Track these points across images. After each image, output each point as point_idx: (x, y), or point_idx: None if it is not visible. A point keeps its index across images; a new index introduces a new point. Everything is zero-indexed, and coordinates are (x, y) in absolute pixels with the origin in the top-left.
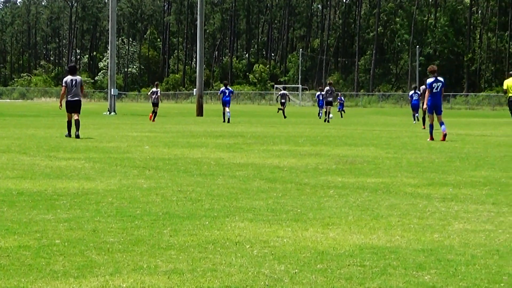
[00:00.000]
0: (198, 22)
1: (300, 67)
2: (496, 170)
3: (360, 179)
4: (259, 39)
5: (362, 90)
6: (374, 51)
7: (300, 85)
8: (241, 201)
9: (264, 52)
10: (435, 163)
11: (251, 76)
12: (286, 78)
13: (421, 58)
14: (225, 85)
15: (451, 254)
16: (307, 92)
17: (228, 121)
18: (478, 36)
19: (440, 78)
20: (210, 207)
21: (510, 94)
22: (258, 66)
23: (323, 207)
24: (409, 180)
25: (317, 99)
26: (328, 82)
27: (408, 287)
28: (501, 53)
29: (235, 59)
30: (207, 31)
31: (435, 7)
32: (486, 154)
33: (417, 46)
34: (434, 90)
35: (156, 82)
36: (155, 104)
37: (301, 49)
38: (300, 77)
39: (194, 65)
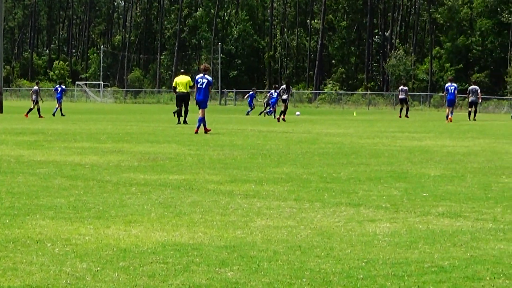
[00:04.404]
0: None
1: (101, 64)
2: (298, 166)
3: (163, 176)
4: (60, 35)
5: (164, 87)
6: (176, 48)
7: (102, 82)
8: (42, 199)
9: (65, 48)
10: (237, 159)
11: (51, 73)
12: (87, 74)
13: (222, 55)
14: (60, 84)
15: (254, 250)
16: (109, 89)
17: (54, 115)
18: (278, 34)
19: (207, 76)
20: (10, 205)
21: (177, 91)
22: (59, 63)
23: (125, 205)
24: (211, 177)
25: (270, 97)
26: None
27: (211, 284)
28: (300, 51)
29: (35, 55)
30: (7, 26)
31: (236, 3)
32: (288, 150)
33: (219, 43)
34: (199, 86)
35: (36, 81)
36: (36, 101)
37: (102, 45)
38: (101, 73)
39: None
